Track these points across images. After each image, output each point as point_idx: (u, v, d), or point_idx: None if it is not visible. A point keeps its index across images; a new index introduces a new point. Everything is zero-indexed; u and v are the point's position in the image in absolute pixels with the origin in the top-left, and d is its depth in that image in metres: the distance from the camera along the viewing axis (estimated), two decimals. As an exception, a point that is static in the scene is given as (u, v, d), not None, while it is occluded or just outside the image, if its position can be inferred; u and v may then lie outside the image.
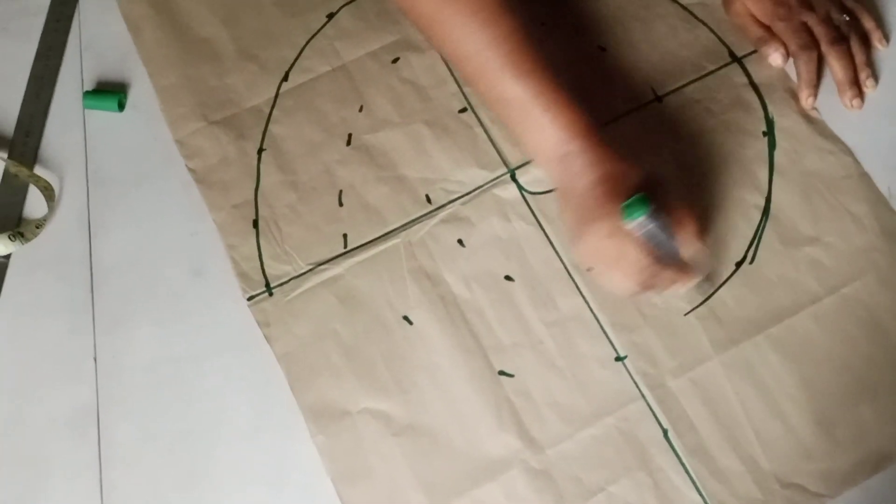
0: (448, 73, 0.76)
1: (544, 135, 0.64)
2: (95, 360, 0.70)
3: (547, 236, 0.70)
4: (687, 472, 0.63)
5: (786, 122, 0.73)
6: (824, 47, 0.73)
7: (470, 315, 0.68)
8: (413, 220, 0.71)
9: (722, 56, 0.75)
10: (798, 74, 0.73)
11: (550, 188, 0.71)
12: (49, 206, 0.75)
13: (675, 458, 0.63)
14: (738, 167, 0.71)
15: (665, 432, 0.64)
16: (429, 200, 0.72)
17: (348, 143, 0.74)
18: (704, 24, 0.77)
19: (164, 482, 0.66)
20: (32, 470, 0.67)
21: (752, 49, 0.75)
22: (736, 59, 0.75)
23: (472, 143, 0.73)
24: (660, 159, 0.72)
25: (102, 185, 0.75)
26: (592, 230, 0.62)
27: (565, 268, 0.69)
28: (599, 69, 0.75)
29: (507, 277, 0.69)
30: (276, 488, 0.65)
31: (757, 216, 0.70)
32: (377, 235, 0.71)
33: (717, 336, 0.66)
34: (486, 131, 0.74)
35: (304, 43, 0.78)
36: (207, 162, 0.74)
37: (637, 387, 0.65)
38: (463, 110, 0.74)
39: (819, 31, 0.73)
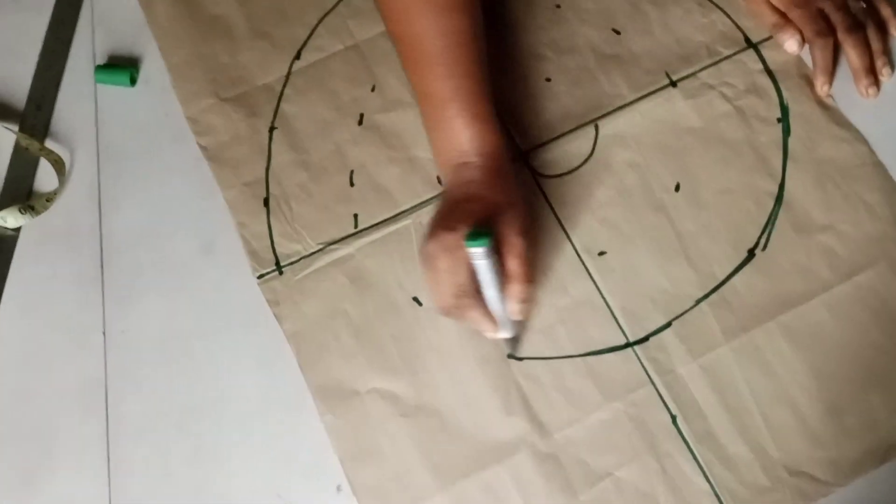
0: None
1: (450, 140, 0.64)
2: (104, 333, 0.70)
3: (558, 220, 0.70)
4: (695, 458, 0.63)
5: (800, 108, 0.72)
6: (840, 35, 0.72)
7: None
8: (424, 202, 0.71)
9: (737, 41, 0.75)
10: (813, 61, 0.73)
11: (563, 171, 0.71)
12: (60, 180, 0.74)
13: (683, 444, 0.63)
14: (751, 153, 0.71)
15: (674, 418, 0.64)
16: (440, 182, 0.71)
17: (360, 122, 0.74)
18: (720, 8, 0.76)
19: (171, 457, 0.66)
20: (40, 443, 0.67)
21: (768, 35, 0.75)
22: (751, 45, 0.75)
23: None
24: (679, 144, 0.71)
25: (113, 159, 0.75)
26: (440, 236, 0.61)
27: (576, 252, 0.69)
28: (614, 52, 0.75)
29: None
30: (282, 465, 0.65)
31: (770, 203, 0.69)
32: (388, 216, 0.71)
33: (728, 323, 0.66)
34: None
35: (316, 21, 0.78)
36: (219, 139, 0.74)
37: (646, 372, 0.65)
38: None
39: (836, 17, 0.72)
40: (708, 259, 0.68)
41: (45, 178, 0.75)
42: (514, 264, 0.61)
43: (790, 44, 0.73)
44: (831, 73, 0.72)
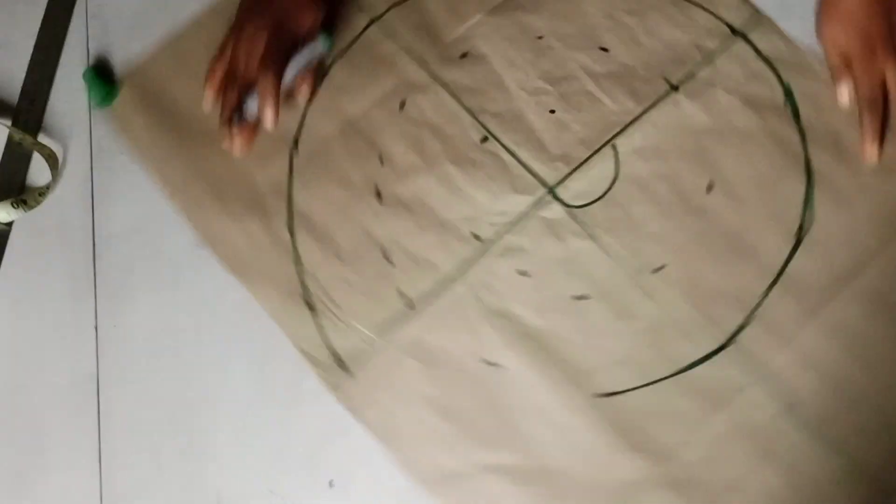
0: (458, 105, 0.74)
1: None
2: (96, 328, 0.70)
3: (602, 248, 0.69)
4: (819, 440, 0.62)
5: (802, 86, 0.72)
6: (892, 97, 0.70)
7: (553, 343, 0.66)
8: (467, 261, 0.69)
9: (723, 33, 0.75)
10: (861, 124, 0.70)
11: (594, 198, 0.70)
12: (53, 174, 0.74)
13: (802, 433, 0.63)
14: (768, 139, 0.71)
15: (783, 410, 0.63)
16: (477, 238, 0.70)
17: (378, 197, 0.71)
18: (696, 3, 0.76)
19: (163, 452, 0.66)
20: (32, 438, 0.67)
21: (750, 18, 0.75)
22: (737, 33, 0.75)
23: (502, 170, 0.72)
24: (698, 145, 0.71)
25: (107, 153, 0.75)
26: (267, 18, 0.71)
27: (631, 274, 0.68)
28: (608, 70, 0.74)
29: (580, 297, 0.67)
30: (275, 460, 0.65)
31: (802, 182, 0.69)
32: (435, 284, 0.69)
33: (804, 305, 0.66)
34: (513, 155, 0.72)
35: (303, 107, 0.75)
36: (238, 251, 0.71)
37: (743, 374, 0.64)
38: (484, 139, 0.72)
39: (892, 84, 0.70)
40: (760, 250, 0.67)
41: (37, 172, 0.75)
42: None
43: (842, 93, 0.71)
44: (881, 137, 0.70)
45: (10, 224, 0.73)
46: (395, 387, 0.66)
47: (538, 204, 0.71)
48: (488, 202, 0.71)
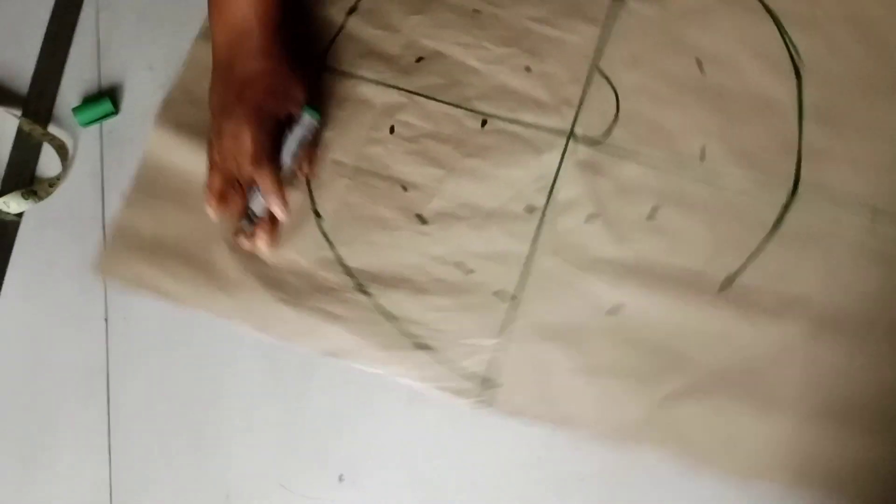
0: (442, 104, 0.73)
1: (235, 5, 0.66)
2: (106, 320, 0.69)
3: (643, 161, 0.70)
4: None
5: None
6: None
7: (651, 265, 0.68)
8: (535, 235, 0.69)
9: None
10: None
11: (609, 125, 0.71)
12: (63, 165, 0.74)
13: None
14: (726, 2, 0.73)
15: (871, 218, 0.67)
16: (532, 210, 0.70)
17: (422, 221, 0.70)
18: None
19: (172, 444, 0.66)
20: (42, 428, 0.67)
21: None
22: None
23: (516, 141, 0.71)
24: (666, 38, 0.73)
25: (116, 144, 0.75)
26: (236, 112, 0.64)
27: (680, 174, 0.70)
28: (552, 10, 0.75)
29: (651, 213, 0.69)
30: (285, 454, 0.65)
31: (773, 26, 0.72)
32: (521, 269, 0.68)
33: (838, 126, 0.69)
34: (518, 123, 0.72)
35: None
36: (334, 338, 0.68)
37: (825, 205, 0.68)
38: (484, 123, 0.72)
39: None
40: (772, 97, 0.70)
41: (47, 163, 0.75)
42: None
43: None
44: None
45: (20, 215, 0.73)
46: (542, 373, 0.66)
47: (567, 153, 0.71)
48: (522, 174, 0.71)
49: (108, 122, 0.76)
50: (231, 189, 0.65)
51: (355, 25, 0.76)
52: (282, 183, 0.66)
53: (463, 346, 0.66)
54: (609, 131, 0.71)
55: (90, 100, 0.76)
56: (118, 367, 0.68)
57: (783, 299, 0.66)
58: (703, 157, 0.69)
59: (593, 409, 0.64)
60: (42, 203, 0.73)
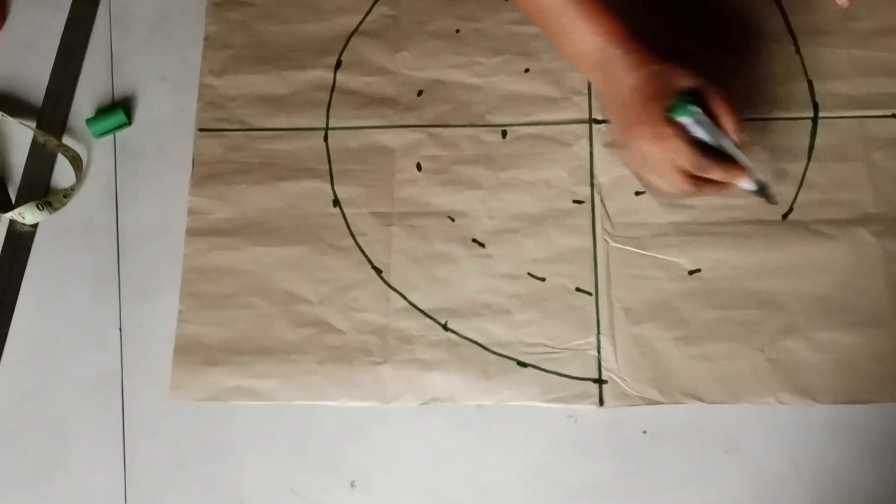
0: (457, 129, 0.73)
1: (584, 43, 0.64)
2: (120, 329, 0.70)
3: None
4: None
5: None
6: None
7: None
8: (592, 223, 0.70)
9: None
10: None
11: None
12: (77, 177, 0.75)
13: None
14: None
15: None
16: (580, 202, 0.71)
17: (480, 244, 0.70)
18: None
19: (186, 451, 0.66)
20: (57, 436, 0.67)
21: None
22: None
23: (541, 141, 0.73)
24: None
25: (130, 155, 0.76)
26: (638, 135, 0.61)
27: None
28: None
29: None
30: (297, 460, 0.65)
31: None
32: (593, 260, 0.69)
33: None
34: (536, 125, 0.73)
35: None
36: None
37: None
38: (504, 134, 0.73)
39: None
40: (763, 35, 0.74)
41: (62, 174, 0.76)
42: (717, 105, 0.61)
43: None
44: None
45: (35, 225, 0.74)
46: (649, 356, 0.66)
47: (592, 138, 0.72)
48: (558, 171, 0.72)
49: (122, 133, 0.76)
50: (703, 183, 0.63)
51: (346, 80, 0.76)
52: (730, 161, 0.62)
53: (563, 352, 0.67)
54: None
55: (104, 111, 0.77)
56: (132, 375, 0.69)
57: (842, 209, 0.68)
58: None
59: (707, 378, 0.65)
60: (56, 213, 0.74)
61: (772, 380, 0.65)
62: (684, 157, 0.60)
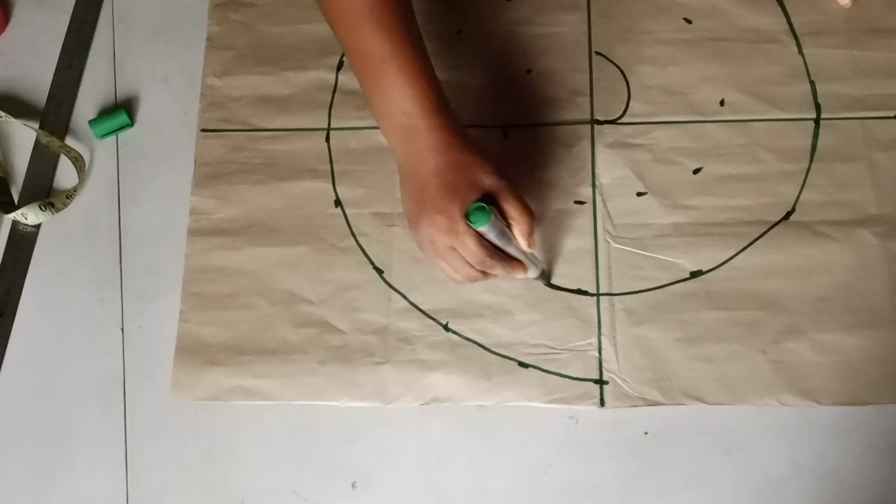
0: None
1: (392, 101, 0.61)
2: (122, 330, 0.70)
3: (671, 124, 0.72)
4: None
5: None
6: None
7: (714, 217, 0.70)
8: (593, 224, 0.70)
9: None
10: None
11: (626, 102, 0.73)
12: (79, 177, 0.75)
13: None
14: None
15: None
16: (581, 202, 0.71)
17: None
18: None
19: (188, 452, 0.66)
20: (58, 438, 0.68)
21: None
22: None
23: (544, 141, 0.73)
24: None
25: (132, 156, 0.76)
26: (431, 222, 0.60)
27: (711, 124, 0.73)
28: (524, 9, 0.77)
29: (695, 171, 0.71)
30: (298, 461, 0.66)
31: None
32: (594, 261, 0.69)
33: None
34: (538, 125, 0.73)
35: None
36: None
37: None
38: (505, 135, 0.73)
39: None
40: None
41: (64, 174, 0.76)
42: (513, 209, 0.61)
43: None
44: None
45: (37, 226, 0.74)
46: (650, 357, 0.66)
47: (594, 139, 0.72)
48: (560, 171, 0.72)
49: (124, 134, 0.77)
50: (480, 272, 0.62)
51: (348, 80, 0.76)
52: (516, 260, 0.63)
53: (564, 352, 0.67)
54: (627, 107, 0.72)
55: (106, 112, 0.77)
56: (134, 376, 0.69)
57: (845, 210, 0.68)
58: (723, 105, 0.72)
59: (709, 379, 0.65)
60: (59, 214, 0.74)
61: (773, 381, 0.64)
62: (472, 255, 0.60)
